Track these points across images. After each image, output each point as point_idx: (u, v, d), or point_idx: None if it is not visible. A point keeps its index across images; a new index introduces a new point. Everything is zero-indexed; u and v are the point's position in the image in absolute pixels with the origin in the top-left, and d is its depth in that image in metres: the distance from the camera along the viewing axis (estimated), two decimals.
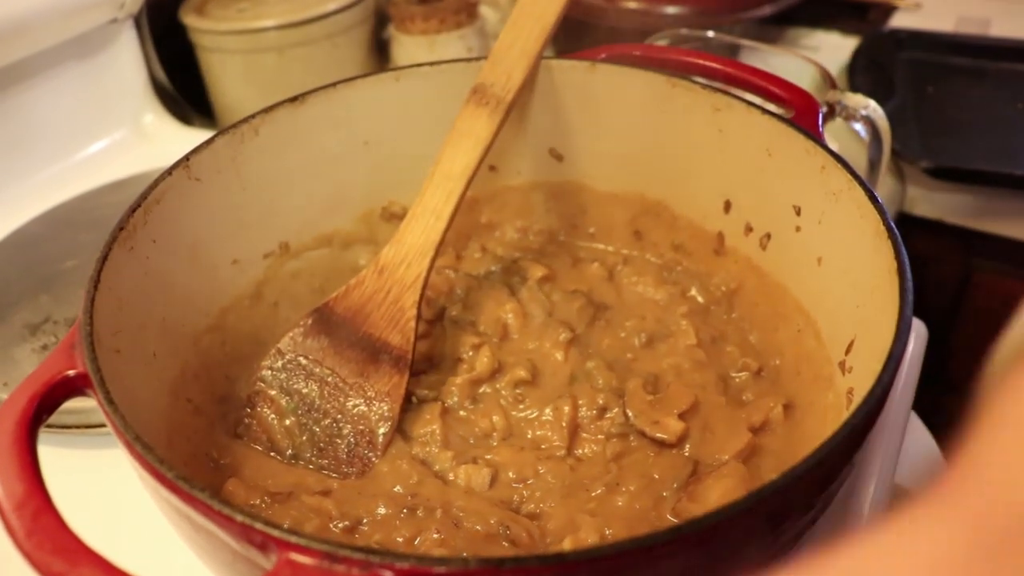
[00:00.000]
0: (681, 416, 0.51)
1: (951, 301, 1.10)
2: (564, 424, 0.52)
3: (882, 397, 0.37)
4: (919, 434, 0.70)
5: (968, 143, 1.04)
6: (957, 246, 1.05)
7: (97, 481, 0.58)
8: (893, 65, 1.13)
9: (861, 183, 0.48)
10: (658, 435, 0.51)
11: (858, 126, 0.75)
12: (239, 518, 0.32)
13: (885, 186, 0.98)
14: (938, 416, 1.22)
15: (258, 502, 0.48)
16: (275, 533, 0.31)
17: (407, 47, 1.02)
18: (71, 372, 0.39)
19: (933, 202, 1.01)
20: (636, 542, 0.30)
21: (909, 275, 0.42)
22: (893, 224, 0.45)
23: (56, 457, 0.60)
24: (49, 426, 0.59)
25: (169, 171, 0.51)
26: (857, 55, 1.13)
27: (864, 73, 1.10)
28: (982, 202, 1.00)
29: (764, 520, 0.34)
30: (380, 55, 1.09)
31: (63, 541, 0.31)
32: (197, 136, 0.51)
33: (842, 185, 0.49)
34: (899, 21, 1.23)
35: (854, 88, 1.04)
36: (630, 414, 0.52)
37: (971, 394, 0.25)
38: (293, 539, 0.30)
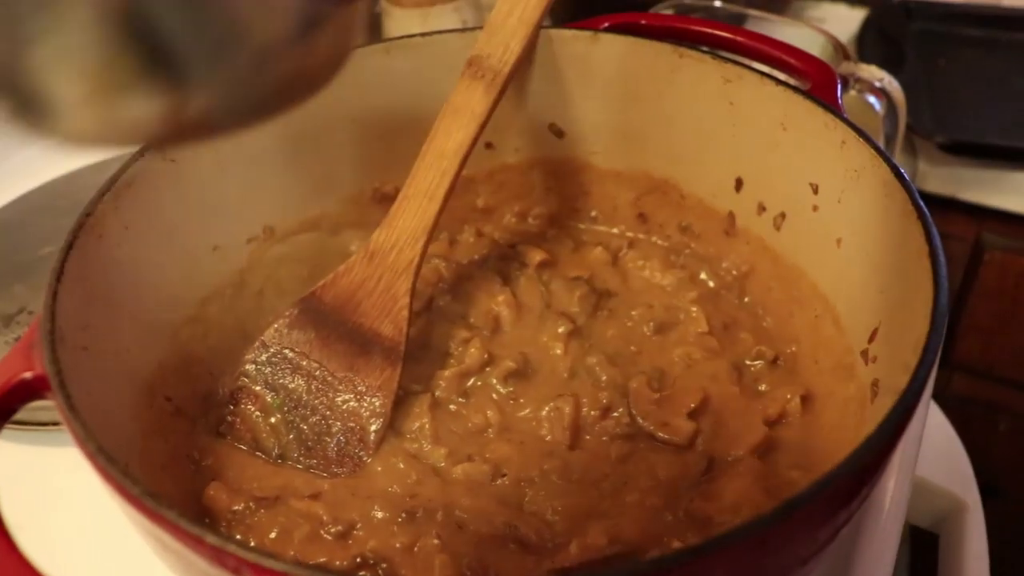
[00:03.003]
0: (690, 415, 0.48)
1: (962, 279, 1.08)
2: (565, 426, 0.49)
3: (919, 392, 0.34)
4: (938, 420, 0.67)
5: (980, 116, 1.01)
6: (969, 223, 1.02)
7: (64, 482, 0.54)
8: (903, 36, 1.09)
9: (887, 159, 0.45)
10: (668, 438, 0.48)
11: (872, 99, 0.72)
12: (210, 540, 0.28)
13: (897, 161, 0.95)
14: (948, 395, 1.19)
15: (242, 508, 0.45)
16: (250, 557, 0.27)
17: (399, 20, 0.98)
18: (28, 374, 0.36)
19: (945, 178, 0.98)
20: (642, 566, 0.27)
21: (943, 259, 0.39)
22: (923, 204, 0.42)
23: (23, 455, 0.57)
24: (18, 423, 0.56)
25: (141, 152, 0.48)
26: (866, 26, 1.10)
27: (873, 45, 1.06)
28: (995, 178, 0.97)
29: (790, 535, 0.31)
30: (371, 29, 1.06)
31: (9, 565, 0.28)
32: None
33: (865, 162, 0.46)
34: None
35: (864, 61, 1.00)
36: (636, 415, 0.49)
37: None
38: (268, 563, 0.27)
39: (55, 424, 0.57)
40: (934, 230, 0.40)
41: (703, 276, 0.58)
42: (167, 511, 0.30)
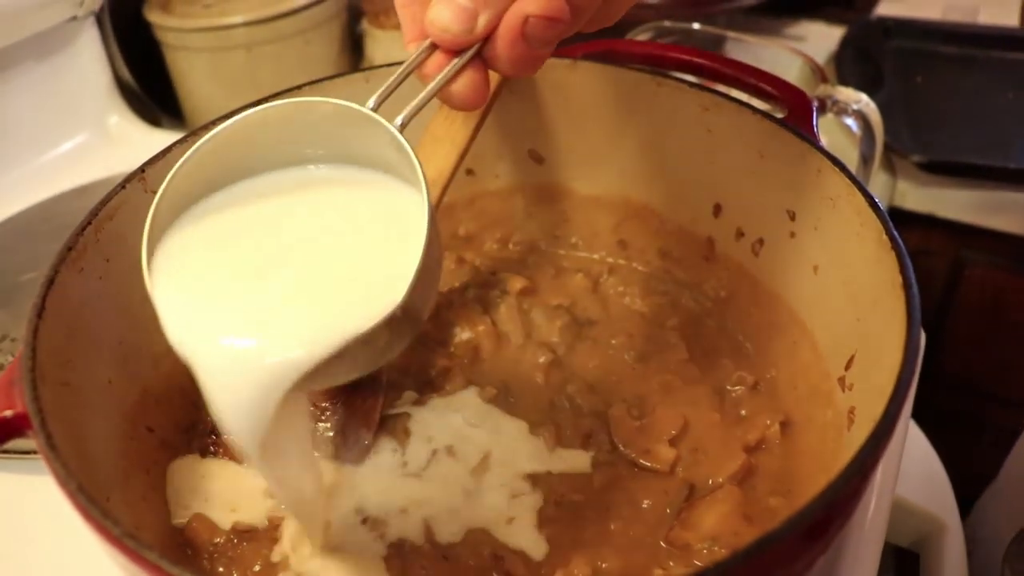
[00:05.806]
0: (671, 442, 0.49)
1: (942, 295, 1.08)
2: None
3: (890, 428, 0.34)
4: (917, 442, 0.67)
5: (958, 135, 1.01)
6: (948, 240, 1.03)
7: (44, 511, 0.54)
8: (881, 55, 1.10)
9: (861, 189, 0.45)
10: (649, 465, 0.48)
11: (850, 121, 0.73)
12: None
13: (876, 180, 0.96)
14: (929, 413, 1.20)
15: (223, 540, 0.45)
16: None
17: (382, 43, 0.99)
18: (9, 413, 0.36)
19: (924, 196, 0.99)
20: None
21: (916, 291, 0.39)
22: (897, 234, 0.42)
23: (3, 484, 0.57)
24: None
25: (123, 184, 0.48)
26: (844, 45, 1.11)
27: (852, 63, 1.07)
28: (973, 195, 0.98)
29: (766, 569, 0.31)
30: (354, 52, 1.06)
31: None
32: (166, 138, 0.48)
33: (840, 191, 0.47)
34: (886, 9, 1.21)
35: (842, 79, 1.01)
36: (617, 443, 0.49)
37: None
38: None
39: (35, 452, 0.57)
40: (908, 261, 0.41)
41: (683, 302, 0.59)
42: (148, 552, 0.30)
